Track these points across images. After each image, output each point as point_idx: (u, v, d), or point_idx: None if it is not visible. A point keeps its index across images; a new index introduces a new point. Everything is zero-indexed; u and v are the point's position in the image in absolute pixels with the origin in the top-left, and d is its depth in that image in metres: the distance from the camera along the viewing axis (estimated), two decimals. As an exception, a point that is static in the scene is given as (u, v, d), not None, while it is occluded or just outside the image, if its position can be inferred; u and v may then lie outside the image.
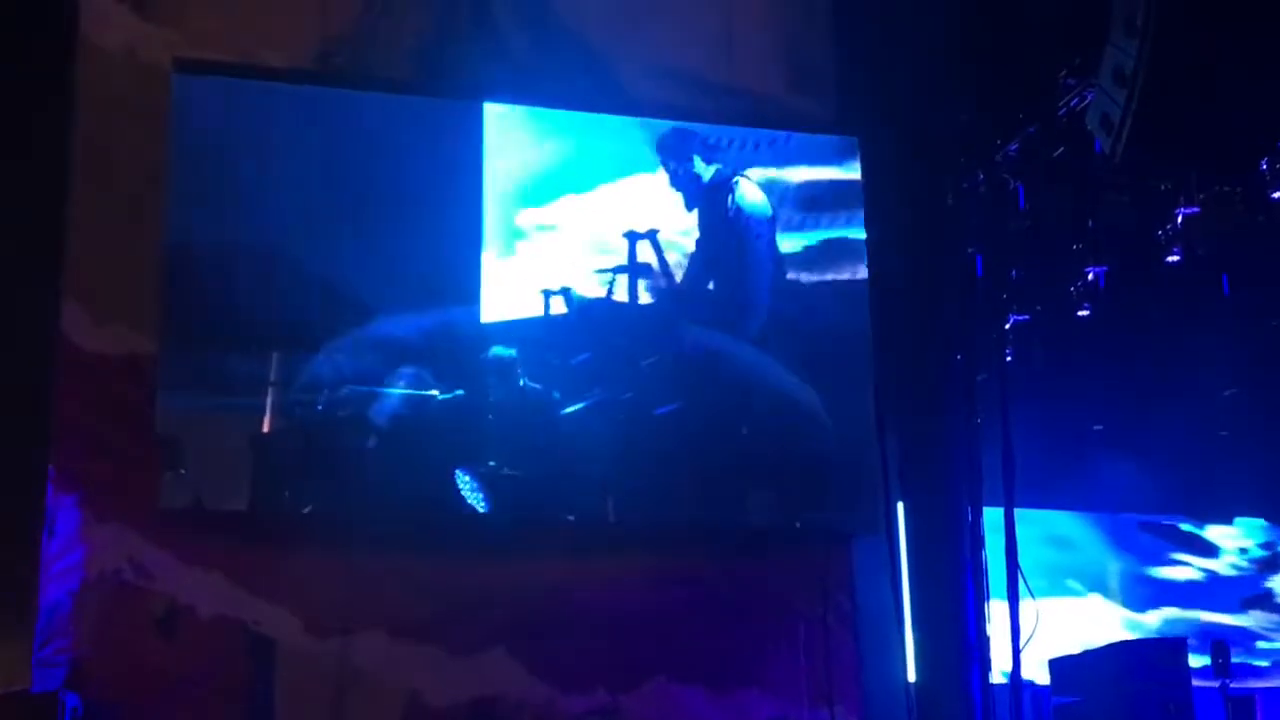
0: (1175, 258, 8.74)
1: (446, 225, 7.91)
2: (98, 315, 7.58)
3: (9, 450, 7.41)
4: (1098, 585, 10.28)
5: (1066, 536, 10.26)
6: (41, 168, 7.63)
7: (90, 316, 7.57)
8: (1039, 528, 9.88)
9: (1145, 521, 10.45)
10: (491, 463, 7.74)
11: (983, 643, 8.17)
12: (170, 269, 7.54)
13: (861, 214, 8.52)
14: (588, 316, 8.00)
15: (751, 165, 8.43)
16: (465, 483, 7.54)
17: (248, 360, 7.52)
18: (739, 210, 8.37)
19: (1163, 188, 8.64)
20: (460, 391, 7.71)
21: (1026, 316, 8.85)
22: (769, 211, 8.40)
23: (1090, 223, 8.81)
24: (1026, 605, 8.01)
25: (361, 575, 7.63)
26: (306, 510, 7.34)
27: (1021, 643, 8.04)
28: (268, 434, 7.48)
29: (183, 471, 7.35)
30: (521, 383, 7.82)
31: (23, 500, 7.41)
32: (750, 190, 8.39)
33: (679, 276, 8.18)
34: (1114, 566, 10.37)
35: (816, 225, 8.46)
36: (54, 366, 7.52)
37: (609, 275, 8.08)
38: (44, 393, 7.48)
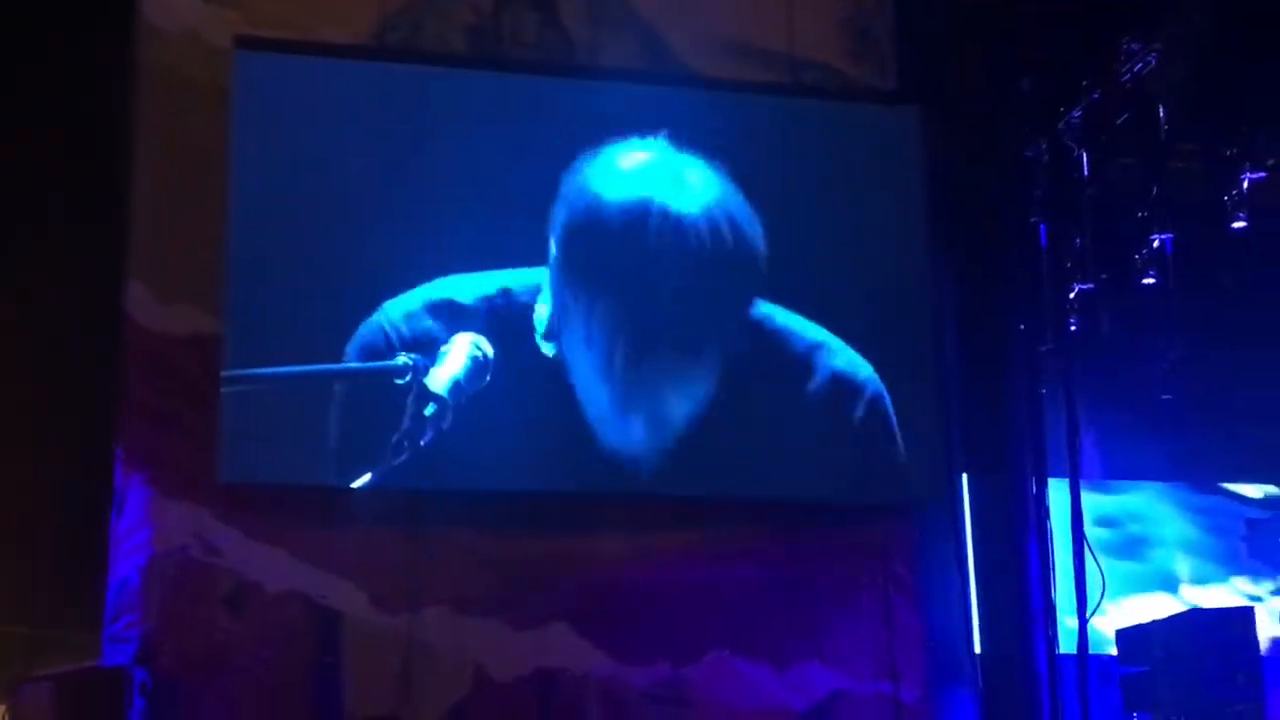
0: (1241, 224, 8.64)
1: (502, 197, 7.87)
2: (163, 293, 7.66)
3: (77, 429, 7.53)
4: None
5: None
6: (105, 148, 7.71)
7: (155, 295, 7.65)
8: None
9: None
10: (550, 432, 7.77)
11: (1049, 613, 8.12)
12: (234, 246, 7.59)
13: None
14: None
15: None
16: None
17: (309, 334, 7.56)
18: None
19: (1229, 153, 8.53)
20: (519, 358, 7.69)
21: (1091, 285, 8.75)
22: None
23: (1155, 190, 8.71)
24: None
25: (425, 548, 7.70)
26: (365, 479, 7.33)
27: (1089, 613, 8.02)
28: (331, 407, 7.52)
29: (246, 447, 7.41)
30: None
31: (92, 479, 7.51)
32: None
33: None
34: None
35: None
36: (120, 346, 7.61)
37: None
38: (110, 372, 7.58)
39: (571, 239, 7.81)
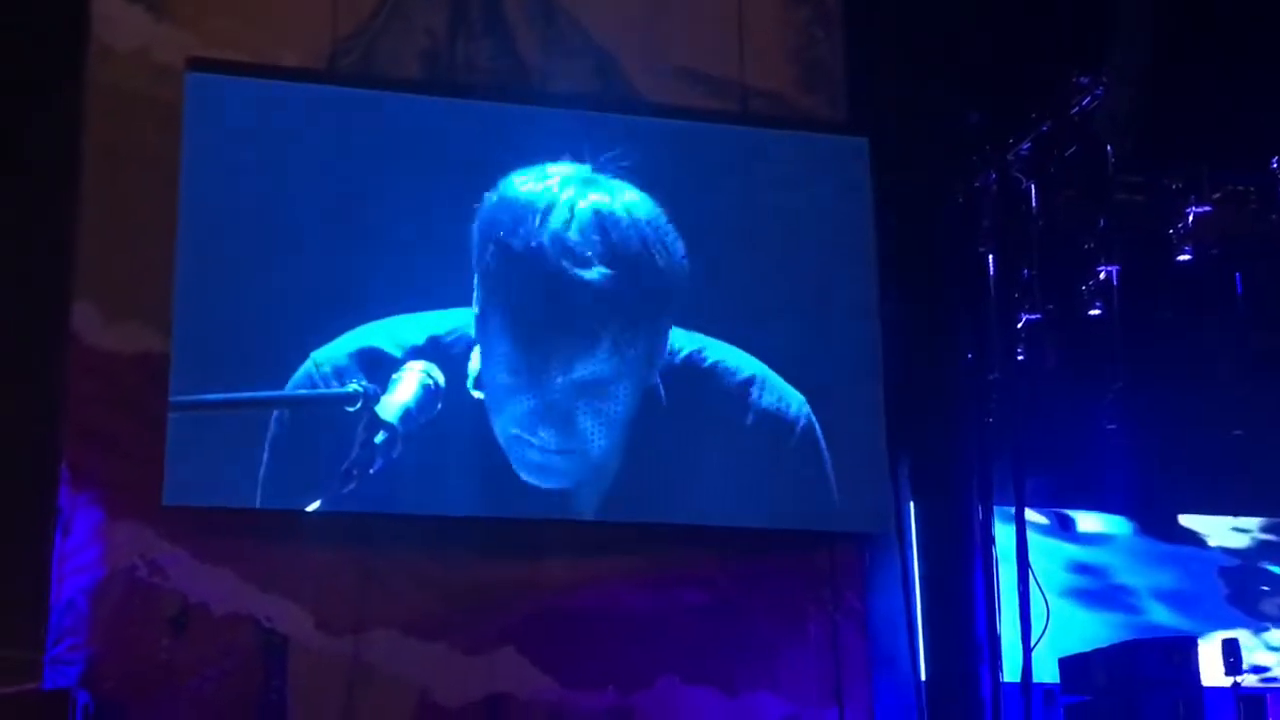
0: (1187, 257, 8.77)
1: (454, 225, 7.81)
2: (110, 313, 7.61)
3: (21, 449, 7.44)
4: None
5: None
6: (53, 167, 7.66)
7: (103, 314, 7.60)
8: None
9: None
10: (499, 459, 7.73)
11: (994, 641, 8.18)
12: (183, 265, 7.55)
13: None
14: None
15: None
16: None
17: (259, 356, 7.53)
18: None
19: (1174, 187, 8.65)
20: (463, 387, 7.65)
21: (1038, 315, 8.83)
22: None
23: (1102, 222, 8.82)
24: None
25: (373, 572, 7.67)
26: (315, 505, 7.32)
27: (1033, 642, 8.08)
28: (278, 430, 7.49)
29: (191, 471, 7.37)
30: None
31: (36, 499, 7.43)
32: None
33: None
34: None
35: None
36: (67, 365, 7.55)
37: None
38: (56, 391, 7.52)
39: (483, 243, 7.68)
